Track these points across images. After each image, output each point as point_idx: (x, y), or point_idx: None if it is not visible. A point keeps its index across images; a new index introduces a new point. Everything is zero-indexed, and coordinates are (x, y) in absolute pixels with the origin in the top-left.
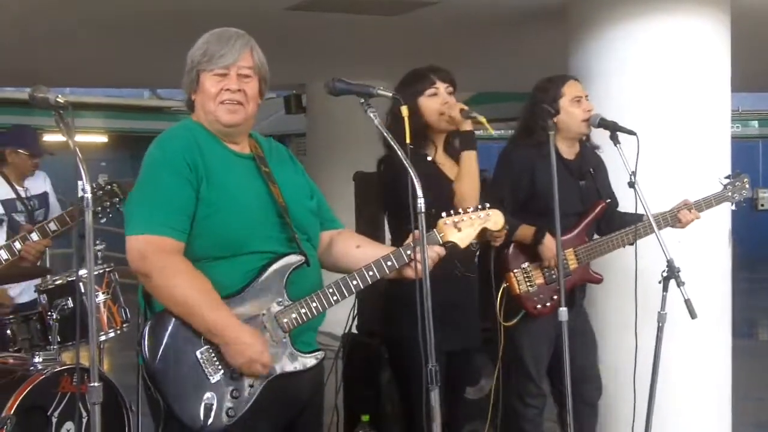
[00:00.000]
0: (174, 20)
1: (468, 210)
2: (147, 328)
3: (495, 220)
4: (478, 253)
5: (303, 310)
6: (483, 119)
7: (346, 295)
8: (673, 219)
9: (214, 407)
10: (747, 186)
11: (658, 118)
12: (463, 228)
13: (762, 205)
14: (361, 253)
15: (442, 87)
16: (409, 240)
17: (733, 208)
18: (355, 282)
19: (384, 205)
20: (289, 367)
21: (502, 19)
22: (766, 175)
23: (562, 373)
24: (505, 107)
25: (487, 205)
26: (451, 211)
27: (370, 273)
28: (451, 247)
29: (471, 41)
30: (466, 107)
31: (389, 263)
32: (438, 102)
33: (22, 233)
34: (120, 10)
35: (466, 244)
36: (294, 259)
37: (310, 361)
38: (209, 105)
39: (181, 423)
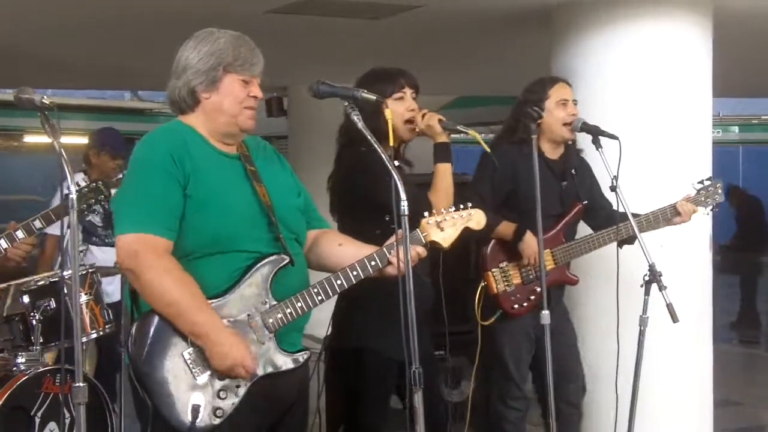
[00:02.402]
0: (155, 23)
1: (450, 210)
2: (133, 329)
3: (477, 219)
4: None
5: (288, 310)
6: (475, 134)
7: (331, 295)
8: (672, 213)
9: (202, 407)
10: (720, 192)
11: (640, 122)
12: (446, 228)
13: None
14: (343, 251)
15: (408, 92)
16: (392, 240)
17: (707, 213)
18: (339, 282)
19: (346, 206)
20: (275, 367)
21: (485, 23)
22: (746, 179)
23: (543, 375)
24: (487, 111)
25: (470, 204)
26: (434, 211)
27: (354, 273)
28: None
29: (454, 45)
30: (444, 118)
31: (373, 263)
32: (404, 107)
33: (8, 231)
34: (101, 12)
35: (449, 243)
36: (279, 259)
37: (295, 360)
38: (233, 107)
39: (168, 424)
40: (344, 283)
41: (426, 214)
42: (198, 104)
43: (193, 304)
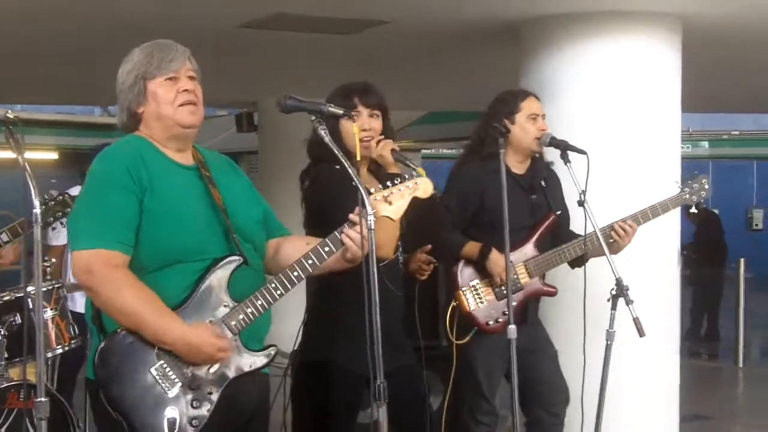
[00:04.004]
0: (125, 38)
1: (396, 182)
2: (98, 353)
3: (424, 187)
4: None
5: (249, 310)
6: (421, 170)
7: (289, 288)
8: (606, 236)
9: (178, 420)
10: (706, 186)
11: (609, 137)
12: (394, 201)
13: None
14: (309, 247)
15: (364, 112)
16: (354, 218)
17: (693, 210)
18: (296, 273)
19: (312, 224)
20: (244, 368)
21: (455, 38)
22: (715, 195)
23: (524, 388)
24: (457, 126)
25: (414, 173)
26: (380, 186)
27: (309, 261)
28: (381, 268)
29: (424, 60)
30: (397, 148)
31: (326, 249)
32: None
33: None
34: (71, 28)
35: (399, 215)
36: (232, 260)
37: (262, 358)
38: (167, 110)
39: None
40: (300, 273)
41: (372, 190)
42: (139, 120)
43: (152, 311)
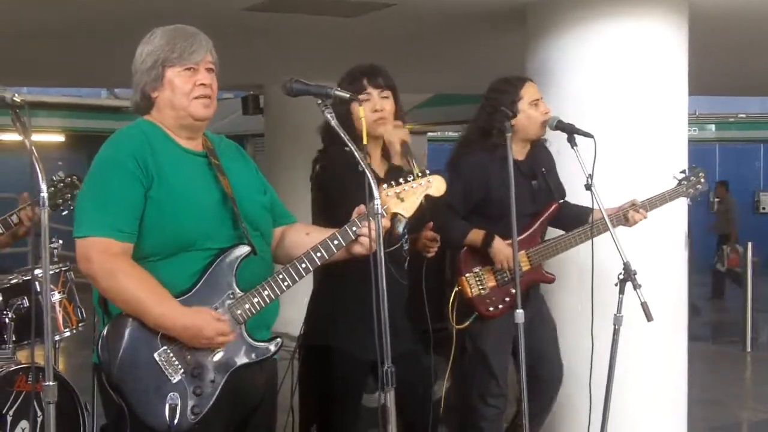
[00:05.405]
0: (131, 20)
1: (409, 179)
2: (103, 336)
3: (437, 185)
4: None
5: (255, 300)
6: (415, 166)
7: (297, 279)
8: (618, 220)
9: (179, 407)
10: (703, 180)
11: (616, 120)
12: (406, 198)
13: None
14: (311, 239)
15: (374, 93)
16: (354, 216)
17: (690, 203)
18: (304, 265)
19: (319, 208)
20: (248, 358)
21: (459, 21)
22: (722, 178)
23: (520, 368)
24: (461, 110)
25: (428, 171)
26: (392, 182)
27: (318, 254)
28: (385, 256)
29: (428, 43)
30: (408, 141)
31: (336, 242)
32: (369, 108)
33: None
34: (77, 10)
35: (411, 213)
36: (241, 250)
37: (266, 350)
38: (182, 101)
39: (146, 426)
40: (309, 265)
41: (385, 186)
42: (152, 104)
43: (153, 299)
